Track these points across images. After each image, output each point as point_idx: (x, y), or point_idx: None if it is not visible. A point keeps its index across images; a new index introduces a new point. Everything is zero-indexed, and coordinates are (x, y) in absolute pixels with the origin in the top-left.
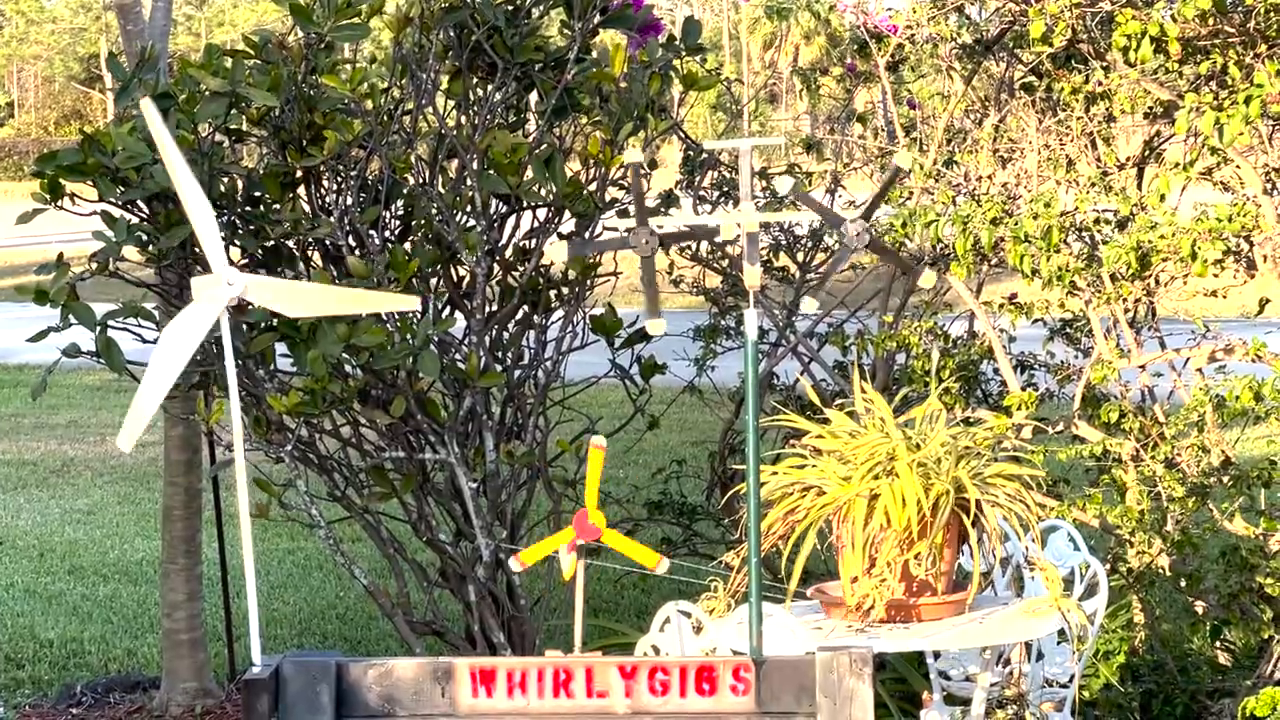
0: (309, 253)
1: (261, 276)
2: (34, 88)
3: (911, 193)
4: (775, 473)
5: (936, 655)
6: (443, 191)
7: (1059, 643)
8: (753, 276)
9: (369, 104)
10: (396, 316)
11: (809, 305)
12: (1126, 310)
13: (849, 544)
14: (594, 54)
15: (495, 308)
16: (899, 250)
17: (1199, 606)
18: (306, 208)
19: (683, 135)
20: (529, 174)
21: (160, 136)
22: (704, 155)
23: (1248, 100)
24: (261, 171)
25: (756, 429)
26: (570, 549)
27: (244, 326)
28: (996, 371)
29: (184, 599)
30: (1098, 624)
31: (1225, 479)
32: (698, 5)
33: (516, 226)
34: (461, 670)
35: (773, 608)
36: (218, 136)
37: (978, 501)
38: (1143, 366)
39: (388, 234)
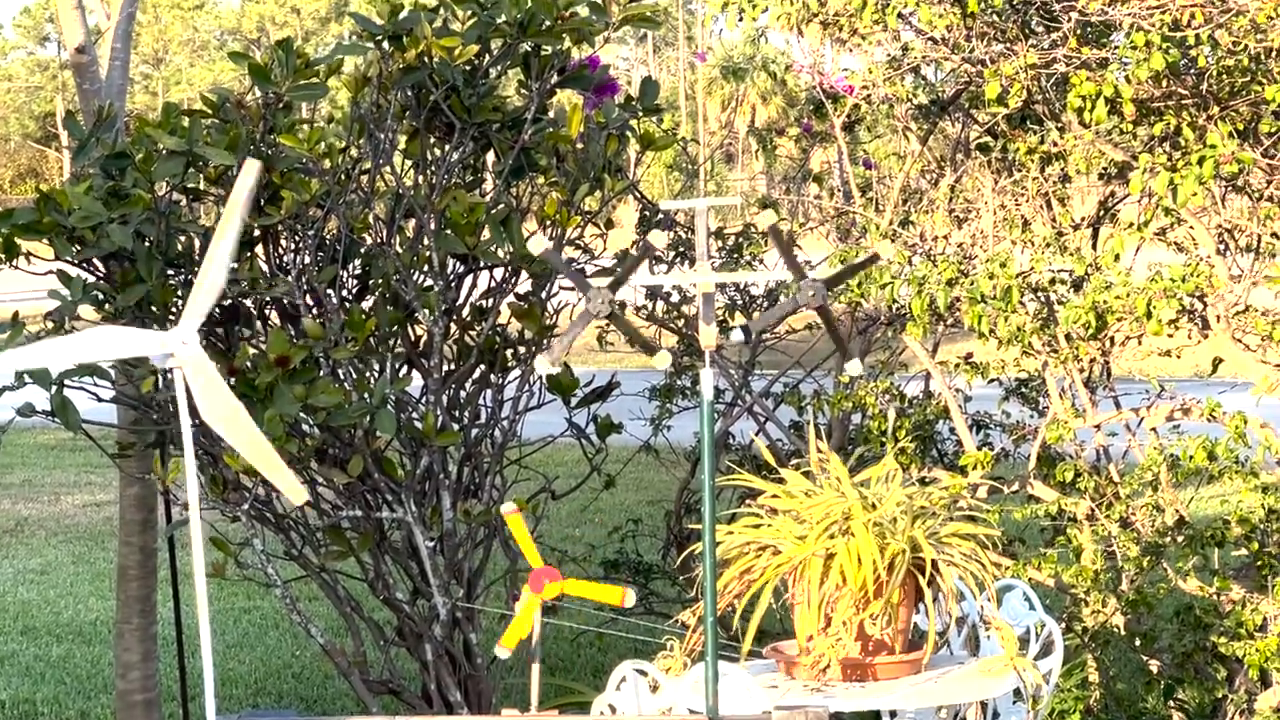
0: (266, 311)
1: (205, 363)
2: None
3: (866, 250)
4: (731, 532)
5: (893, 715)
6: (400, 251)
7: (1014, 702)
8: (708, 336)
9: (327, 163)
10: (354, 375)
11: (854, 369)
12: (1082, 370)
13: (805, 603)
14: (551, 114)
15: (452, 367)
16: (854, 310)
17: (1153, 665)
18: (264, 266)
19: (639, 195)
20: (486, 234)
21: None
22: (660, 215)
23: (1201, 161)
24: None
25: (713, 488)
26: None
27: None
28: (952, 431)
29: (139, 659)
30: (1053, 683)
31: (1179, 538)
32: (655, 65)
33: (473, 286)
34: None
35: (729, 667)
36: (175, 195)
37: (933, 561)
38: (1098, 426)
39: (345, 293)
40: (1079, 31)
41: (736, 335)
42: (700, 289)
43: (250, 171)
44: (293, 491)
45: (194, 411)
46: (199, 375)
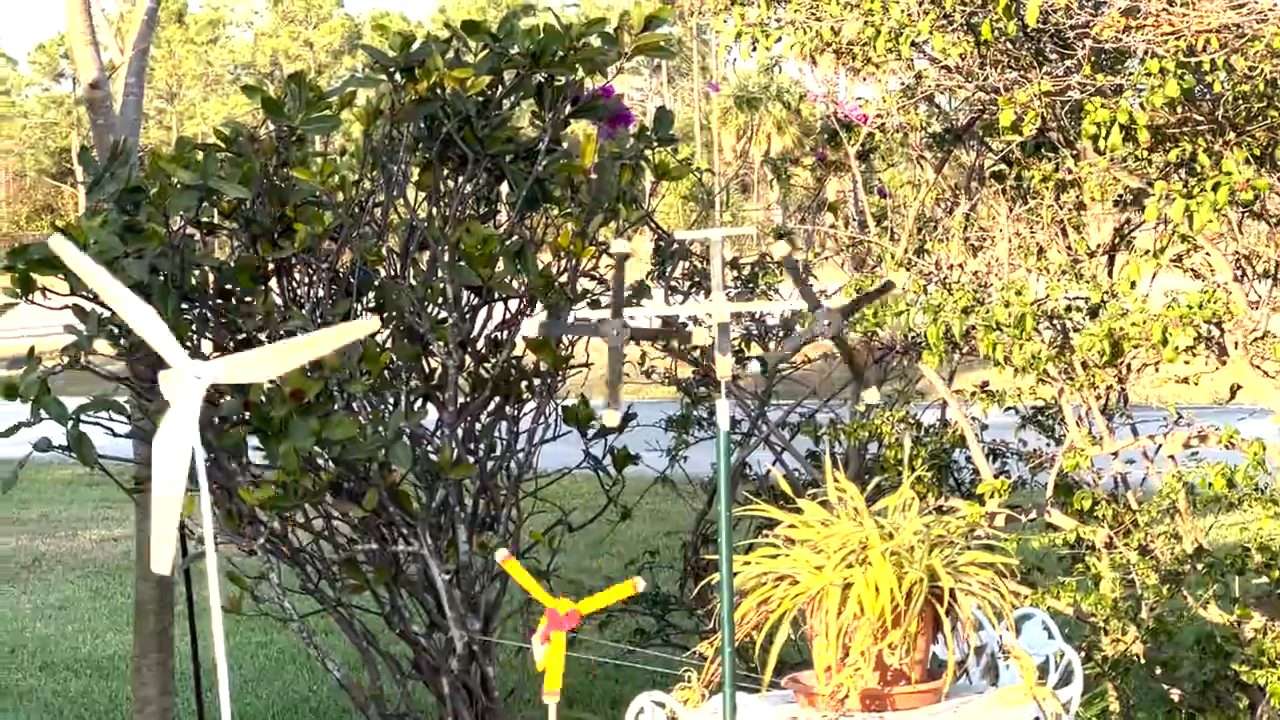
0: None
1: (223, 359)
2: (5, 182)
3: (882, 279)
4: (748, 562)
5: None
6: (414, 284)
7: None
8: (724, 367)
9: (340, 196)
10: (369, 409)
11: (871, 396)
12: (1099, 398)
13: (822, 633)
14: (565, 145)
15: (467, 399)
16: (870, 339)
17: (1174, 694)
18: (278, 300)
19: (654, 226)
20: (500, 266)
21: (79, 266)
22: (675, 246)
23: (1216, 187)
24: (233, 264)
25: (729, 518)
26: (544, 640)
27: (216, 420)
28: (969, 459)
29: (156, 694)
30: (1073, 712)
31: (1199, 566)
32: (669, 96)
33: (488, 318)
34: None
35: (747, 698)
36: (189, 229)
37: (951, 590)
38: (1115, 454)
39: None
40: (1093, 58)
41: (754, 367)
42: (716, 319)
43: (368, 327)
44: (161, 561)
45: (209, 446)
46: (233, 369)
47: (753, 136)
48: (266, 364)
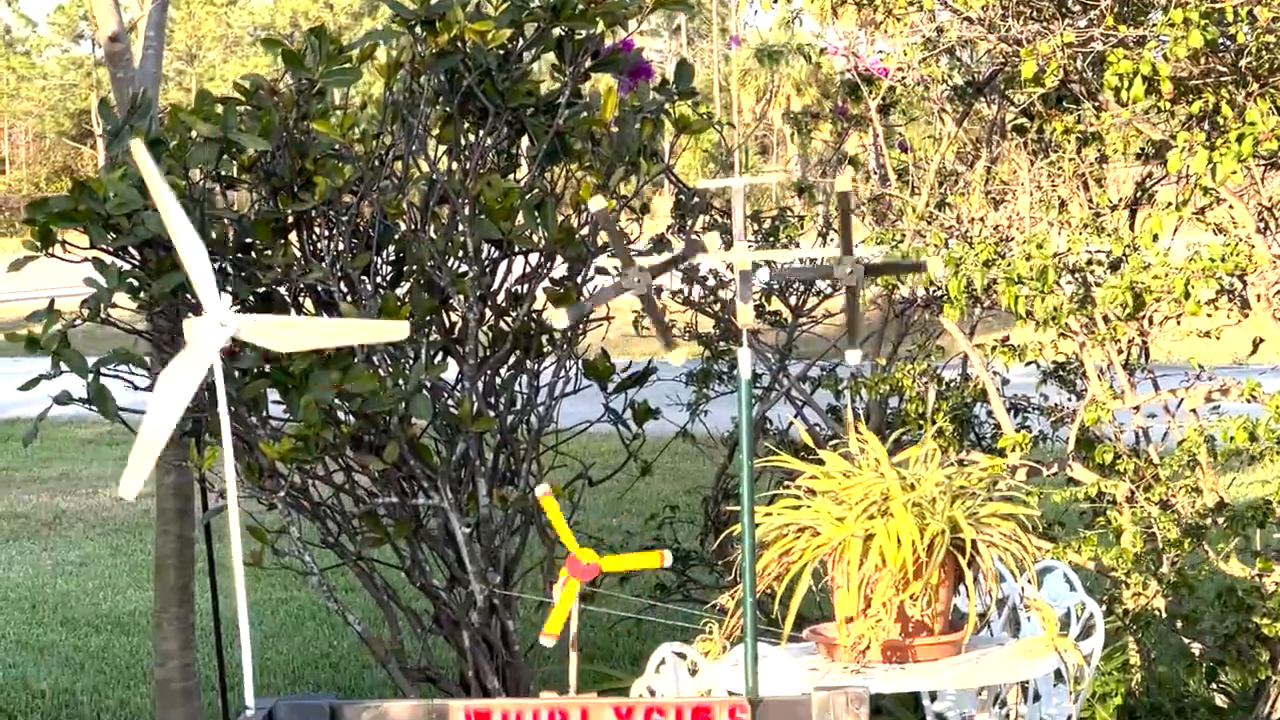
0: (301, 299)
1: (254, 316)
2: (25, 144)
3: (904, 235)
4: (770, 514)
5: (933, 697)
6: (434, 237)
7: (1055, 684)
8: (745, 315)
9: (360, 149)
10: (389, 361)
11: (852, 357)
12: (1120, 352)
13: (844, 585)
14: (585, 98)
15: (488, 353)
16: (892, 293)
17: (1195, 648)
18: (298, 254)
19: (674, 179)
20: (521, 219)
21: (152, 178)
22: (695, 200)
23: (1240, 139)
24: (253, 218)
25: (751, 468)
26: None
27: (236, 372)
28: (990, 414)
29: (177, 648)
30: (1094, 665)
31: (1220, 520)
32: (689, 57)
33: (508, 272)
34: (456, 712)
35: (769, 649)
36: (209, 183)
37: (973, 541)
38: (1137, 408)
39: (379, 280)
40: (1116, 9)
41: (853, 357)
42: (737, 267)
43: (400, 330)
44: (129, 487)
45: (230, 398)
46: (257, 329)
47: (772, 98)
48: (290, 335)
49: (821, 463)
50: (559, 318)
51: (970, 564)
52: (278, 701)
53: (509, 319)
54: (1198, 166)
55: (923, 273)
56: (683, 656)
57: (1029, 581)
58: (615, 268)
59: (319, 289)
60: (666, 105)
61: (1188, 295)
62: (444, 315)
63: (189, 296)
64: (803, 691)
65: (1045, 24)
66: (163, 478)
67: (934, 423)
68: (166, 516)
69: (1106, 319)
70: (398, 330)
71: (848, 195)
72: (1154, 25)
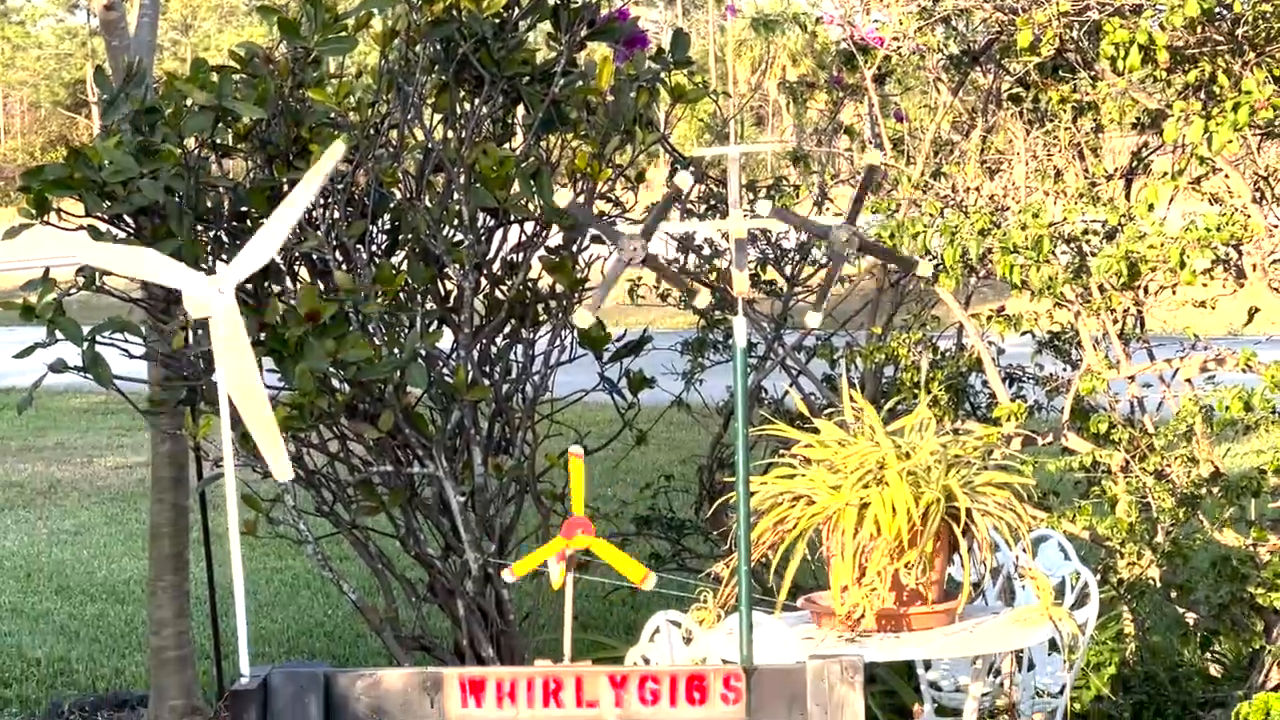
0: (296, 267)
1: (230, 263)
2: (20, 114)
3: (899, 205)
4: (765, 483)
5: (927, 666)
6: (430, 206)
7: (1050, 653)
8: (741, 283)
9: (355, 118)
10: (384, 330)
11: (812, 320)
12: (1115, 321)
13: (839, 553)
14: (581, 67)
15: (483, 322)
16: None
17: (1189, 618)
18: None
19: (669, 148)
20: (516, 188)
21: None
22: (691, 169)
23: (1236, 108)
24: (248, 186)
25: (746, 436)
26: (560, 559)
27: None
28: (985, 384)
29: (171, 616)
30: (1089, 634)
31: (1215, 489)
32: (683, 25)
33: (504, 240)
34: (450, 680)
35: (763, 617)
36: (204, 151)
37: (968, 510)
38: (1132, 378)
39: (375, 248)
40: None
41: (813, 320)
42: (733, 235)
43: (335, 153)
44: (280, 469)
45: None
46: (225, 327)
47: (767, 68)
48: (265, 240)
49: (817, 431)
50: (583, 318)
51: (965, 533)
52: (272, 669)
53: (504, 288)
54: (1194, 136)
55: (911, 269)
56: (678, 625)
57: (1024, 551)
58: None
59: (314, 257)
60: (662, 74)
61: (1183, 265)
62: (439, 284)
63: (183, 264)
64: (797, 660)
65: None
66: (158, 446)
67: (929, 391)
68: (161, 485)
69: (1102, 288)
70: (333, 152)
71: (876, 169)
72: None
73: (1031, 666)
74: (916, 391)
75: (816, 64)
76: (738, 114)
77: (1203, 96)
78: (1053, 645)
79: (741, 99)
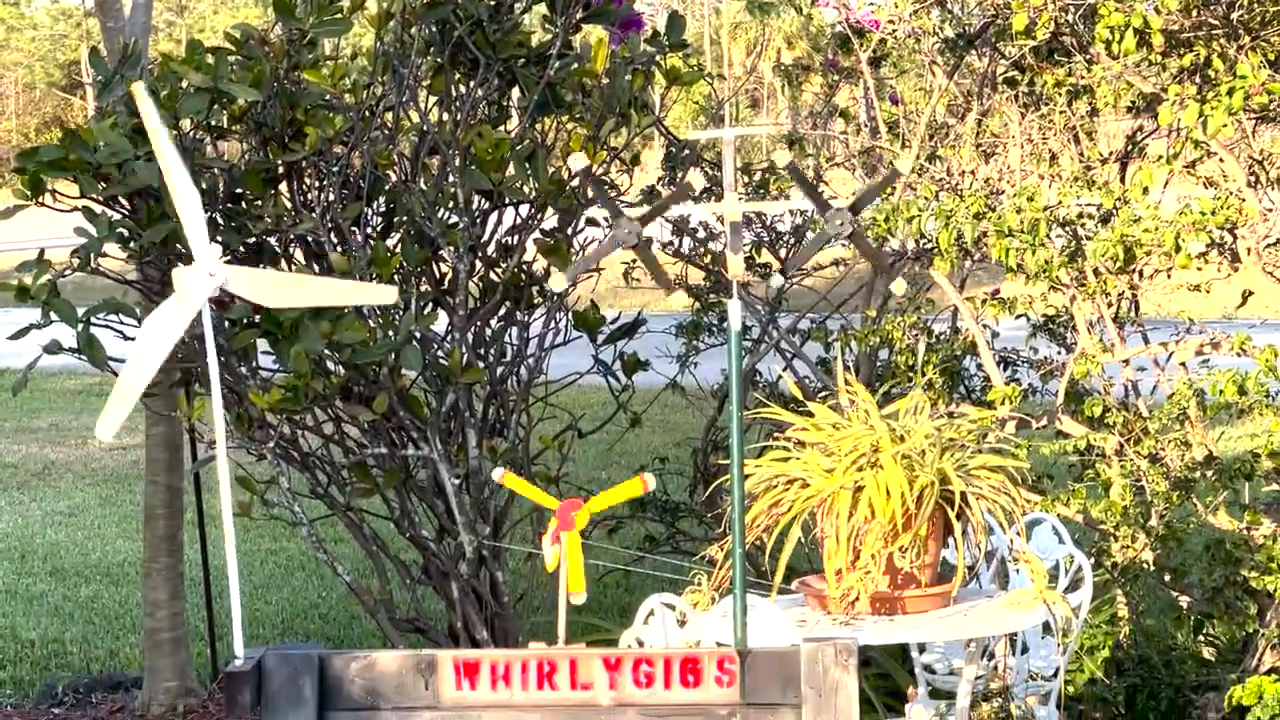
0: (291, 249)
1: (243, 268)
2: (14, 95)
3: (894, 188)
4: (760, 465)
5: (921, 649)
6: (425, 188)
7: (1043, 636)
8: (736, 265)
9: (350, 100)
10: (379, 312)
11: (899, 287)
12: (1110, 305)
13: (833, 536)
14: (576, 50)
15: (478, 304)
16: (881, 246)
17: (1183, 601)
18: (288, 204)
19: (664, 131)
20: (511, 170)
21: (151, 123)
22: (686, 152)
23: (1231, 92)
24: (243, 168)
25: (741, 419)
26: (554, 541)
27: (226, 323)
28: (979, 367)
29: (166, 598)
30: (1082, 617)
31: (1209, 473)
32: (678, 7)
33: (499, 223)
34: (445, 662)
35: (757, 600)
36: (199, 133)
37: (962, 494)
38: (1126, 361)
39: (370, 230)
40: None
41: (776, 280)
42: (728, 218)
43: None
44: (382, 294)
45: (219, 348)
46: (245, 282)
47: (763, 51)
48: (278, 291)
49: (811, 415)
50: (558, 281)
51: (959, 516)
52: (266, 651)
53: (499, 270)
54: (1189, 120)
55: (899, 177)
56: (672, 608)
57: (1018, 534)
58: (605, 219)
59: (309, 239)
60: (657, 57)
61: (1178, 249)
62: (434, 266)
63: (179, 246)
64: (791, 643)
65: None
66: (151, 428)
67: (924, 375)
68: (155, 467)
69: (1097, 272)
70: (386, 294)
71: (793, 165)
72: None
73: (1025, 650)
74: (911, 375)
75: (812, 47)
76: (732, 97)
77: (1198, 80)
78: (1046, 628)
79: (737, 82)
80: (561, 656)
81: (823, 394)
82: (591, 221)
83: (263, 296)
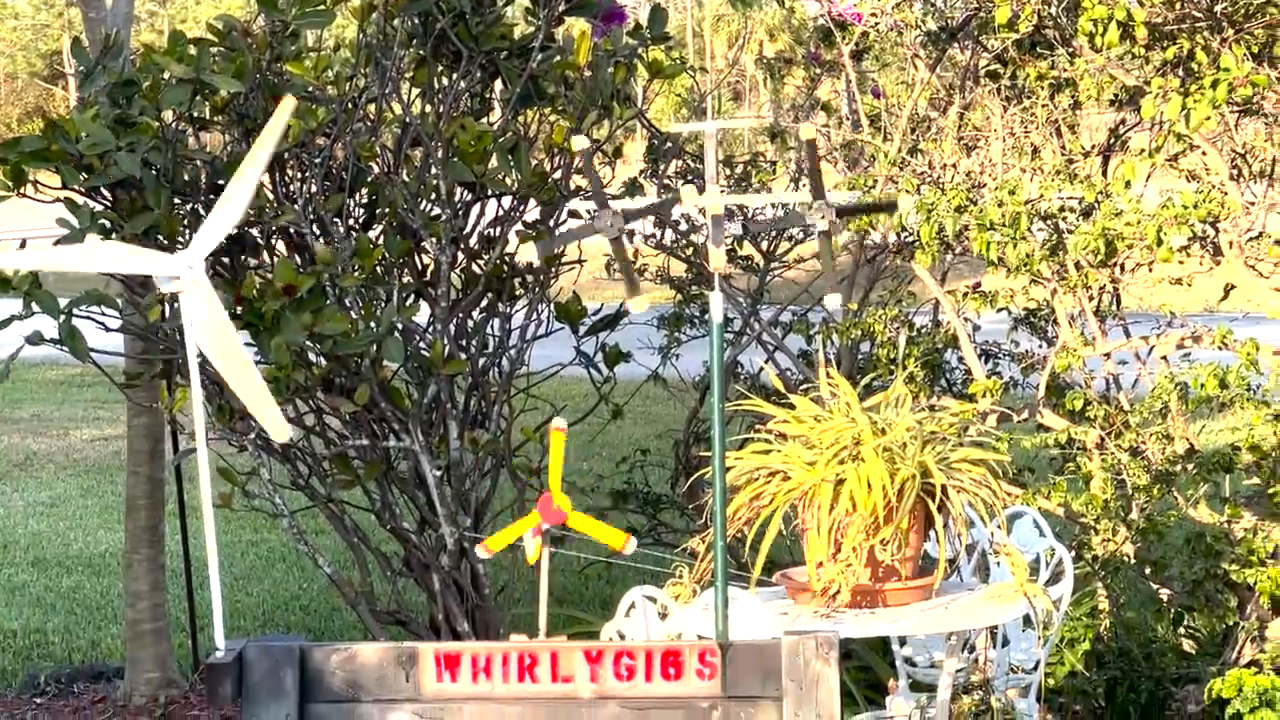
0: (273, 240)
1: (208, 293)
2: None
3: (876, 181)
4: (741, 458)
5: (902, 642)
6: (407, 180)
7: (1024, 629)
8: (717, 258)
9: (333, 91)
10: (360, 303)
11: (832, 302)
12: (1091, 299)
13: (814, 529)
14: (559, 42)
15: (460, 296)
16: (863, 239)
17: (1163, 594)
18: (271, 196)
19: (646, 123)
20: (494, 162)
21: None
22: (668, 144)
23: (1215, 84)
24: (225, 159)
25: (722, 411)
26: (535, 534)
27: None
28: (961, 360)
29: (147, 589)
30: (1063, 610)
31: (1190, 466)
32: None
33: (481, 214)
34: (426, 655)
35: (739, 593)
36: (181, 124)
37: (944, 487)
38: (1107, 355)
39: (352, 222)
40: None
41: (832, 302)
42: (710, 211)
43: (286, 108)
44: (277, 429)
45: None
46: (199, 301)
47: (745, 44)
48: (228, 207)
49: (793, 407)
50: (529, 251)
51: (940, 509)
52: (248, 643)
53: (481, 262)
54: (1171, 112)
55: (893, 213)
56: (653, 600)
57: (999, 527)
58: (588, 210)
59: (291, 231)
60: (640, 50)
61: (1160, 242)
62: (416, 258)
63: (160, 237)
64: (773, 635)
65: None
66: (133, 419)
67: (905, 368)
68: (137, 458)
69: (1079, 265)
70: (278, 429)
71: (814, 143)
72: None
73: (1006, 643)
74: (893, 368)
75: (794, 40)
76: (715, 89)
77: (1180, 73)
78: (1027, 621)
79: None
80: (542, 649)
81: (804, 386)
82: (574, 214)
83: (229, 220)
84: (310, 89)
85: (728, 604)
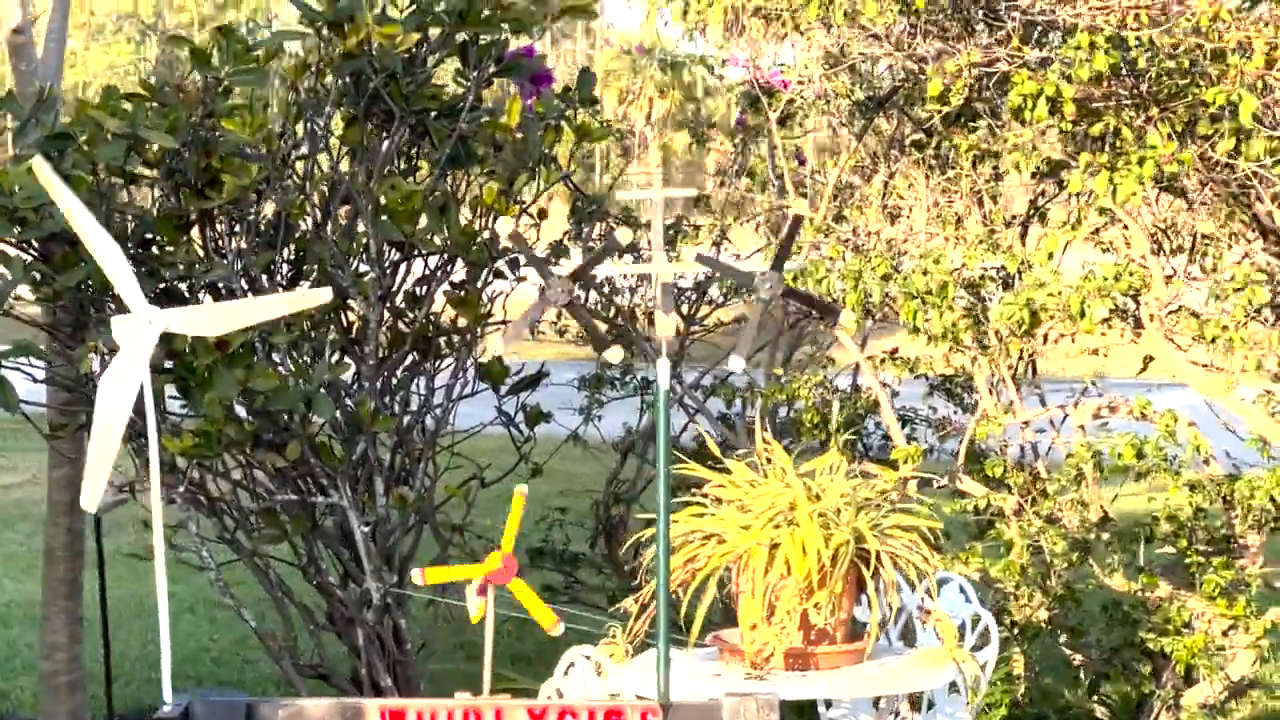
0: (200, 296)
1: (176, 308)
2: None
3: (800, 247)
4: (676, 521)
5: (828, 704)
6: (336, 238)
7: (949, 693)
8: (666, 326)
9: (264, 148)
10: (291, 360)
11: (735, 364)
12: (1010, 367)
13: (749, 592)
14: (488, 104)
15: (386, 354)
16: (786, 304)
17: (1077, 659)
18: (201, 251)
19: (572, 186)
20: (423, 222)
21: (58, 192)
22: (593, 208)
23: (1142, 161)
24: (156, 214)
25: (668, 475)
26: (479, 593)
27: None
28: (878, 425)
29: (65, 641)
30: (989, 674)
31: (1105, 535)
32: (553, 57)
33: (408, 273)
34: (371, 711)
35: (675, 653)
36: (112, 178)
37: (878, 553)
38: (1026, 423)
39: (280, 278)
40: (1021, 31)
41: (735, 364)
42: (659, 279)
43: (321, 296)
44: (90, 499)
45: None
46: (186, 320)
47: (634, 100)
48: (218, 320)
49: (727, 471)
50: (495, 345)
51: (874, 574)
52: (191, 696)
53: (407, 320)
54: (1099, 186)
55: (834, 320)
56: (587, 658)
57: (927, 593)
58: (517, 277)
59: (220, 286)
60: (566, 112)
61: (1083, 314)
62: (342, 315)
63: (91, 291)
64: (711, 696)
65: (950, 42)
66: (54, 470)
67: (838, 433)
68: (57, 509)
69: (999, 335)
70: (320, 295)
71: (799, 219)
72: (1057, 48)
73: (931, 705)
74: (815, 432)
75: (685, 97)
76: (606, 141)
77: (1107, 149)
78: (952, 685)
79: (612, 130)
80: (487, 707)
81: (736, 451)
82: (499, 274)
83: (202, 328)
84: (244, 146)
85: (669, 664)
